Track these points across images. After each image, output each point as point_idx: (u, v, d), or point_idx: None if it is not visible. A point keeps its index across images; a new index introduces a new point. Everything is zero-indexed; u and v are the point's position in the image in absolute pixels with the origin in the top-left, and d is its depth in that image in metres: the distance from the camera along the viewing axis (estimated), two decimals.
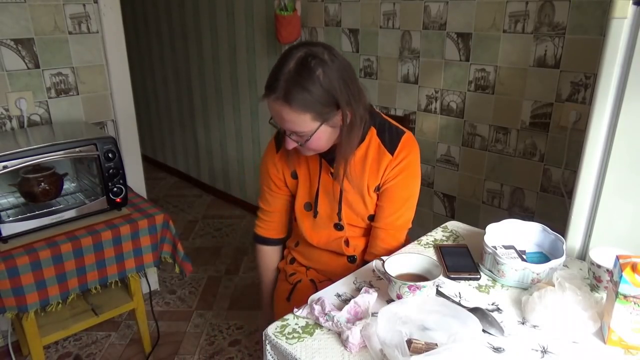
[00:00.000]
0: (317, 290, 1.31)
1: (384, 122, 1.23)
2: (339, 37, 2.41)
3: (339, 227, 1.30)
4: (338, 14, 2.37)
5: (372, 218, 1.29)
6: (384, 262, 1.02)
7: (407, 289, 0.96)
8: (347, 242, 1.31)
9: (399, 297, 0.98)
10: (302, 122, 1.06)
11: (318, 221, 1.30)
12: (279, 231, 1.43)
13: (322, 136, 1.11)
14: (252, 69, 2.91)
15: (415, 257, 1.05)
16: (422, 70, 2.11)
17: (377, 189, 1.24)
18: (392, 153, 1.20)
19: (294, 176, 1.30)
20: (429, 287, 0.97)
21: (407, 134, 1.23)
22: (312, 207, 1.29)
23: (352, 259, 1.33)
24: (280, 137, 1.29)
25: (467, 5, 1.89)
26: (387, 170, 1.21)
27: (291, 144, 1.12)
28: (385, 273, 1.00)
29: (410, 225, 1.31)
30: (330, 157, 1.22)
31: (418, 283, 0.96)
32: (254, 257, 2.78)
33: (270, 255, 1.47)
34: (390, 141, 1.20)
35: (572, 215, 1.17)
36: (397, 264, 1.03)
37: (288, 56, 1.03)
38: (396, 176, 1.22)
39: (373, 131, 1.21)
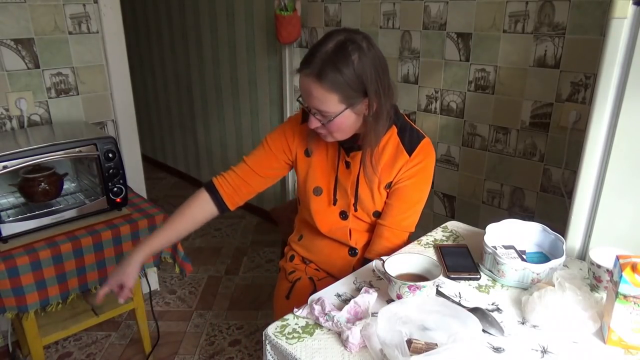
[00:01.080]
0: (315, 288, 1.31)
1: (406, 124, 1.26)
2: None
3: (343, 215, 1.30)
4: (338, 14, 2.37)
5: (377, 215, 1.29)
6: (384, 262, 1.02)
7: (407, 289, 0.96)
8: (350, 233, 1.32)
9: (399, 297, 0.98)
10: (328, 101, 1.08)
11: (327, 207, 1.30)
12: (232, 197, 1.29)
13: (345, 121, 1.12)
14: (252, 69, 2.91)
15: (415, 257, 1.05)
16: (422, 70, 2.11)
17: (388, 186, 1.25)
18: (409, 154, 1.22)
19: (307, 154, 1.29)
20: (429, 287, 0.97)
21: (427, 139, 1.25)
22: (322, 192, 1.29)
23: (353, 252, 1.33)
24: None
25: (467, 5, 1.89)
26: (402, 169, 1.23)
27: (314, 123, 1.13)
28: (385, 273, 1.00)
29: (413, 229, 1.32)
30: (348, 146, 1.24)
31: (418, 283, 0.96)
32: (254, 257, 2.79)
33: (203, 207, 1.30)
34: (410, 142, 1.23)
35: (572, 215, 1.17)
36: (397, 263, 1.03)
37: (328, 38, 1.08)
38: (410, 177, 1.24)
39: (394, 129, 1.23)
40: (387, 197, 1.27)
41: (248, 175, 1.30)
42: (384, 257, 1.04)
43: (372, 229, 1.32)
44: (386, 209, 1.28)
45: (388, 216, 1.27)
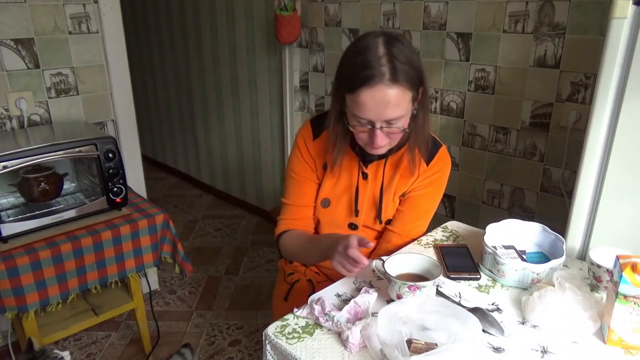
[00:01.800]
0: (314, 290, 1.31)
1: None
2: (339, 37, 2.41)
3: (352, 226, 1.29)
4: (338, 14, 2.37)
5: (388, 222, 1.28)
6: (383, 262, 1.02)
7: (407, 289, 0.96)
8: None
9: (399, 297, 0.98)
10: (404, 102, 1.03)
11: (336, 219, 1.28)
12: (308, 227, 1.32)
13: (407, 121, 1.07)
14: (252, 69, 2.91)
15: (415, 257, 1.05)
16: None
17: (403, 194, 1.25)
18: (427, 162, 1.20)
19: (324, 168, 1.26)
20: (429, 287, 0.97)
21: (444, 148, 1.23)
22: (329, 203, 1.27)
23: None
24: (318, 123, 1.24)
25: (467, 5, 1.89)
26: (419, 178, 1.21)
27: (382, 139, 1.06)
28: (385, 273, 1.00)
29: (421, 236, 1.32)
30: (368, 159, 1.21)
31: (418, 283, 0.96)
32: (254, 257, 2.79)
33: (299, 233, 1.30)
34: (428, 151, 1.20)
35: (572, 215, 1.17)
36: (397, 263, 1.03)
37: (370, 45, 1.02)
38: (426, 187, 1.23)
39: None
40: (399, 204, 1.26)
41: (302, 212, 1.30)
42: (383, 257, 1.03)
43: (380, 235, 1.31)
44: (397, 215, 1.27)
45: (398, 223, 1.26)
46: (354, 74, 1.02)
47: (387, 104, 1.01)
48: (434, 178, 1.22)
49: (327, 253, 1.09)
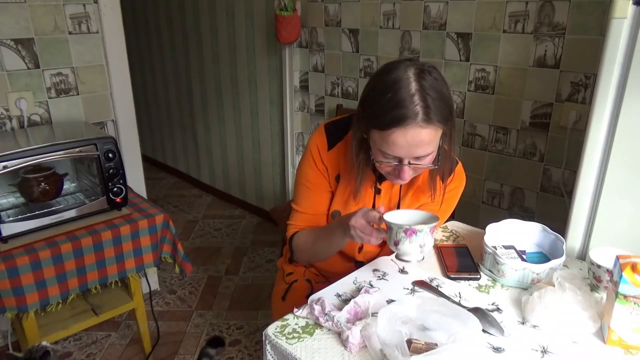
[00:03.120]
0: (312, 290, 1.30)
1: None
2: (339, 37, 2.41)
3: None
4: (338, 14, 2.37)
5: None
6: (382, 214, 1.01)
7: (403, 234, 0.96)
8: (360, 249, 1.30)
9: (396, 243, 0.97)
10: (435, 140, 1.00)
11: None
12: None
13: (435, 154, 1.04)
14: (252, 69, 2.91)
15: (413, 212, 1.06)
16: None
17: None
18: (443, 180, 1.17)
19: (337, 180, 1.23)
20: (425, 232, 0.96)
21: (460, 165, 1.21)
22: (339, 216, 1.24)
23: (359, 264, 1.32)
24: (332, 132, 1.20)
25: (467, 5, 1.89)
26: (434, 195, 1.19)
27: (408, 173, 1.03)
28: (381, 219, 1.00)
29: None
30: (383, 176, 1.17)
31: (414, 226, 0.96)
32: (254, 257, 2.79)
33: (310, 228, 1.27)
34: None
35: (572, 215, 1.17)
36: (395, 216, 1.03)
37: (401, 79, 0.97)
38: (439, 204, 1.21)
39: None
40: None
41: (313, 220, 1.26)
42: (381, 210, 1.03)
43: (384, 242, 1.31)
44: None
45: None
46: (384, 112, 0.97)
47: (420, 143, 0.98)
48: (448, 196, 1.21)
49: (343, 222, 1.07)
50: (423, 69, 0.98)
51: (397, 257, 1.03)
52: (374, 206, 1.22)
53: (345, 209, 1.24)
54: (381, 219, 1.00)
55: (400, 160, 1.02)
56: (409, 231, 0.96)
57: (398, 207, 1.22)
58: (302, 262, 1.36)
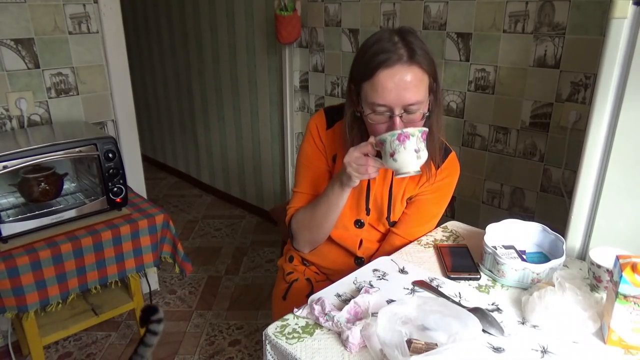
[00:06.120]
0: (312, 289, 1.31)
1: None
2: (339, 37, 2.41)
3: (359, 224, 1.27)
4: (338, 14, 2.37)
5: (393, 224, 1.28)
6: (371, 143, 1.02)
7: (397, 141, 0.97)
8: (360, 243, 1.30)
9: (393, 154, 0.98)
10: (422, 84, 1.02)
11: (342, 215, 1.23)
12: None
13: (426, 107, 1.05)
14: (252, 69, 2.91)
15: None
16: None
17: (410, 198, 1.24)
18: (437, 167, 1.19)
19: (334, 160, 1.24)
20: (417, 136, 0.97)
21: (454, 154, 1.23)
22: None
23: (359, 261, 1.32)
24: (332, 113, 1.23)
25: (467, 5, 1.89)
26: (427, 182, 1.21)
27: (401, 126, 1.03)
28: (372, 145, 1.01)
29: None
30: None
31: (405, 130, 0.97)
32: (254, 257, 2.79)
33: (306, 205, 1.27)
34: (439, 155, 1.19)
35: (572, 215, 1.17)
36: None
37: (383, 36, 1.03)
38: (433, 192, 1.22)
39: None
40: (405, 207, 1.26)
41: (314, 191, 1.26)
42: (371, 140, 1.03)
43: (383, 238, 1.31)
44: (402, 218, 1.26)
45: (403, 225, 1.26)
46: (370, 61, 1.01)
47: (407, 84, 1.00)
48: (441, 184, 1.22)
49: (338, 173, 1.09)
50: (405, 29, 1.04)
51: (396, 173, 1.01)
52: (368, 192, 1.23)
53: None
54: (373, 143, 1.00)
55: (391, 112, 1.03)
56: (402, 136, 0.96)
57: (390, 193, 1.22)
58: (303, 245, 1.30)
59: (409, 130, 0.97)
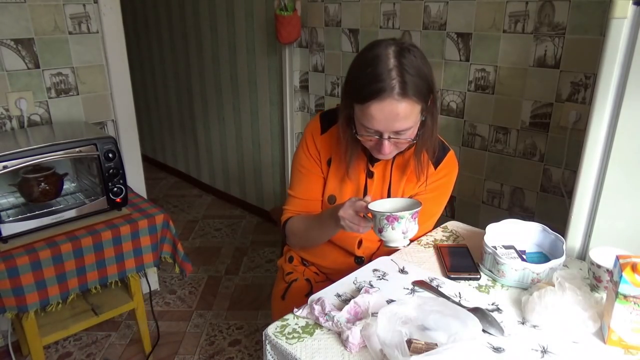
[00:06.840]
0: (312, 290, 1.31)
1: None
2: (339, 37, 2.41)
3: None
4: (338, 14, 2.37)
5: None
6: (367, 203, 1.03)
7: (385, 221, 0.99)
8: (360, 243, 1.30)
9: (380, 230, 1.00)
10: (413, 114, 1.03)
11: None
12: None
13: (416, 129, 1.08)
14: (252, 69, 2.91)
15: (400, 200, 1.08)
16: None
17: (409, 197, 1.24)
18: (435, 166, 1.20)
19: (329, 163, 1.25)
20: (407, 218, 0.99)
21: (452, 152, 1.24)
22: (335, 200, 1.27)
23: (359, 260, 1.32)
24: (327, 118, 1.25)
25: (467, 5, 1.89)
26: (426, 182, 1.21)
27: (389, 148, 1.07)
28: (366, 208, 1.02)
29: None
30: (375, 158, 1.19)
31: (395, 213, 0.98)
32: (254, 257, 2.79)
33: (304, 215, 1.30)
34: (436, 155, 1.20)
35: (572, 215, 1.17)
36: (382, 205, 1.05)
37: (381, 56, 1.01)
38: (432, 191, 1.23)
39: None
40: None
41: (307, 205, 1.29)
42: (367, 199, 1.05)
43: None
44: None
45: None
46: (363, 85, 1.02)
47: (396, 117, 1.01)
48: (440, 183, 1.22)
49: (334, 214, 1.10)
50: (403, 47, 1.02)
51: (384, 244, 1.05)
52: (365, 191, 1.24)
53: (340, 192, 1.25)
54: (367, 208, 1.02)
55: (380, 135, 1.05)
56: (391, 218, 0.99)
57: (389, 193, 1.23)
58: (295, 247, 1.39)
59: (399, 214, 0.98)
